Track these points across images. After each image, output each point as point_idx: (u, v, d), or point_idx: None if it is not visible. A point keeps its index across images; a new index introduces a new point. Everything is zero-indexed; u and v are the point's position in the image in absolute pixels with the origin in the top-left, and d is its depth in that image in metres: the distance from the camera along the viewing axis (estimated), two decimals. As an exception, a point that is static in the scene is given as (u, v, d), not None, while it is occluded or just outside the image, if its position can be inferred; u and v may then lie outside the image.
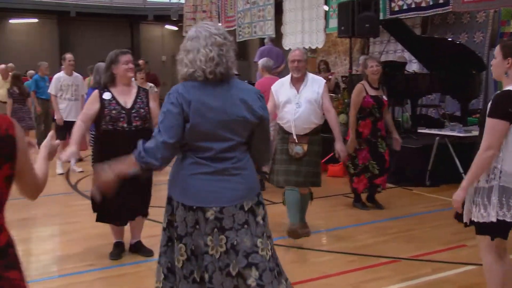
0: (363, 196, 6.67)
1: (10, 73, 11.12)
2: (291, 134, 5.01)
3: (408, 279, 4.30)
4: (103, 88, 4.57)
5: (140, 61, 11.74)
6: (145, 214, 4.85)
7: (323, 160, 8.88)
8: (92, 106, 4.53)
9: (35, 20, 19.97)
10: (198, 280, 2.69)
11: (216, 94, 2.66)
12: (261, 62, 8.09)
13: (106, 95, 4.51)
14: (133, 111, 4.53)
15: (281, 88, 5.13)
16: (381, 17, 10.46)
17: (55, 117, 8.52)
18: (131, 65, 4.58)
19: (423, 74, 9.48)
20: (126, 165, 2.70)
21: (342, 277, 4.38)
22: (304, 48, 12.75)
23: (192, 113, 2.61)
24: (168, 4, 20.89)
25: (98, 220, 4.76)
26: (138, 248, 4.89)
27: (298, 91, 5.00)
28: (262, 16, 14.41)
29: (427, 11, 10.11)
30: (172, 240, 2.74)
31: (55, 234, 5.91)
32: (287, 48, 13.33)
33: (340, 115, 9.13)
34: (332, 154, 8.87)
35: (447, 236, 5.31)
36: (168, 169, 2.84)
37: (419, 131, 8.30)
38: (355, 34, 8.42)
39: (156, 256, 4.62)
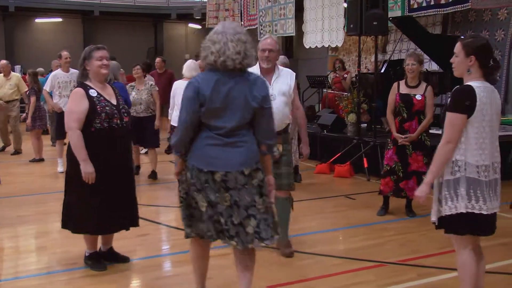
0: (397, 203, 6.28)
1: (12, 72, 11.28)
2: None
3: (390, 284, 4.15)
4: (82, 85, 4.36)
5: (157, 59, 11.76)
6: (137, 224, 4.67)
7: (330, 161, 8.78)
8: (80, 106, 4.21)
9: (60, 20, 20.23)
10: (218, 220, 3.32)
11: (235, 82, 3.25)
12: (279, 60, 7.95)
13: (92, 92, 4.31)
14: (120, 107, 4.42)
15: None
16: (399, 15, 10.31)
17: (48, 109, 8.90)
18: (105, 62, 4.36)
19: (437, 73, 9.21)
20: None
21: (321, 281, 4.25)
22: (323, 46, 12.79)
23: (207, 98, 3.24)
24: (191, 2, 20.91)
25: (91, 232, 4.48)
26: (114, 256, 4.70)
27: (270, 83, 4.54)
28: (283, 14, 14.33)
29: (446, 8, 9.89)
30: (188, 194, 3.39)
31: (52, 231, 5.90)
32: (307, 47, 13.24)
33: (350, 114, 8.96)
34: (339, 154, 8.81)
35: (442, 240, 5.06)
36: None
37: (430, 131, 8.04)
38: (363, 32, 8.20)
39: (132, 259, 4.68)
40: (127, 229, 4.61)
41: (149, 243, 5.27)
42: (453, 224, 3.26)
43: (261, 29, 15.11)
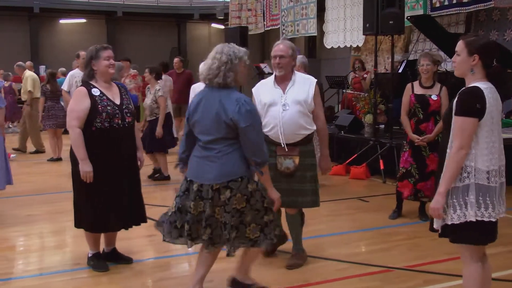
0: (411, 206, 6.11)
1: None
2: (279, 144, 4.29)
3: (393, 290, 4.01)
4: (86, 84, 4.35)
5: (176, 59, 11.76)
6: (145, 220, 4.63)
7: (346, 162, 8.64)
8: (81, 105, 4.20)
9: (84, 20, 20.45)
10: (178, 227, 3.65)
11: (209, 98, 3.55)
12: (298, 59, 7.81)
13: (95, 91, 4.29)
14: (123, 107, 4.39)
15: (263, 89, 4.44)
16: (421, 13, 10.10)
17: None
18: (112, 61, 4.37)
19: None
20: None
21: (324, 286, 4.15)
22: (345, 46, 12.64)
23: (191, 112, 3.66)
24: (214, 2, 20.92)
25: (93, 230, 4.46)
26: (117, 256, 4.68)
27: (284, 92, 4.29)
28: (305, 14, 14.23)
29: (469, 7, 9.67)
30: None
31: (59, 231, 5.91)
32: (329, 47, 13.12)
33: (367, 115, 8.80)
34: (355, 155, 8.66)
35: (452, 246, 4.87)
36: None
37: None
38: (379, 31, 8.04)
39: (136, 260, 4.64)
40: (129, 227, 4.57)
41: (155, 244, 5.22)
42: (462, 234, 3.11)
43: (283, 29, 15.02)
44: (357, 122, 9.39)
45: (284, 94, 4.29)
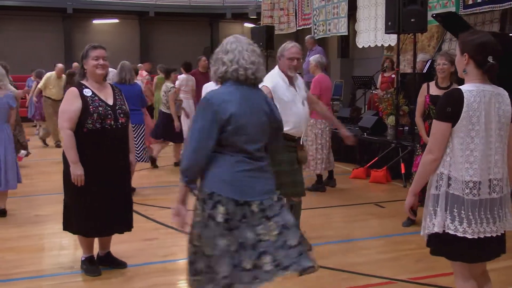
0: None
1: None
2: (298, 140, 4.61)
3: (393, 305, 3.76)
4: (78, 85, 4.25)
5: (202, 58, 11.65)
6: (130, 228, 4.52)
7: (366, 165, 8.34)
8: (73, 105, 4.10)
9: (117, 21, 20.56)
10: (248, 268, 2.81)
11: (251, 98, 2.93)
12: (314, 58, 7.65)
13: (87, 92, 4.18)
14: (116, 107, 4.27)
15: (279, 86, 4.50)
16: (453, 11, 9.71)
17: None
18: (101, 61, 4.20)
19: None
20: None
21: (318, 298, 3.91)
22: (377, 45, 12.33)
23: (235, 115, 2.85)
24: (246, 2, 20.75)
25: (84, 234, 4.36)
26: (111, 261, 4.57)
27: (295, 90, 4.57)
28: (336, 13, 13.98)
29: (503, 4, 9.23)
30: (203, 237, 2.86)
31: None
32: (360, 46, 12.82)
33: (389, 117, 8.48)
34: (376, 158, 8.35)
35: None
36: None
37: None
38: (400, 29, 7.71)
39: (131, 264, 4.51)
40: (121, 233, 4.47)
41: (154, 248, 5.10)
42: (439, 246, 2.92)
43: (315, 28, 14.79)
44: (380, 124, 9.08)
45: (297, 92, 4.56)
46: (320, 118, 7.37)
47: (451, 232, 2.79)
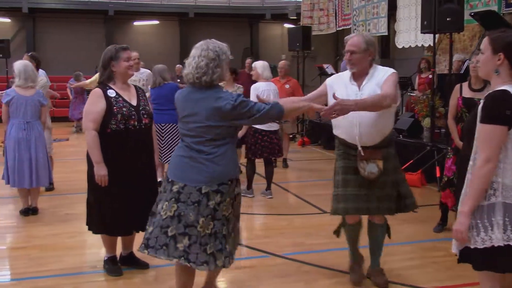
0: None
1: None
2: (357, 147, 3.86)
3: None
4: (102, 86, 4.25)
5: (248, 60, 11.65)
6: None
7: (402, 168, 8.09)
8: (97, 106, 4.12)
9: (157, 22, 20.81)
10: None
11: (194, 98, 3.38)
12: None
13: (111, 92, 4.20)
14: (140, 108, 4.28)
15: (338, 82, 3.99)
16: (495, 9, 9.40)
17: None
18: (131, 62, 4.29)
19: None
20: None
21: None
22: (416, 45, 12.06)
23: (177, 109, 3.50)
24: (286, 2, 20.69)
25: (107, 233, 4.37)
26: (133, 261, 4.57)
27: (359, 88, 3.86)
28: (376, 13, 13.78)
29: (548, 3, 8.89)
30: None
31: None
32: (400, 47, 12.58)
33: (425, 119, 8.26)
34: (411, 161, 8.13)
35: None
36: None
37: None
38: (436, 29, 7.49)
39: (153, 265, 4.51)
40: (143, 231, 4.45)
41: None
42: (487, 260, 2.72)
43: (355, 29, 14.59)
44: (417, 126, 8.85)
45: (359, 90, 3.84)
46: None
47: None
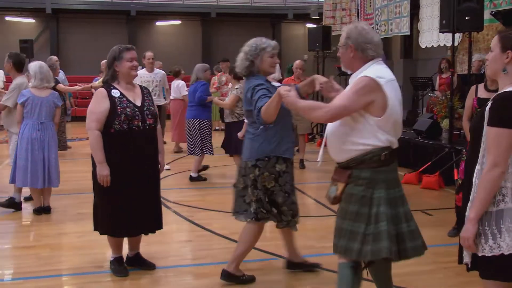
0: None
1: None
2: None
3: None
4: (106, 85, 4.25)
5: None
6: (160, 227, 4.50)
7: (418, 170, 7.98)
8: (101, 106, 4.12)
9: (179, 22, 20.88)
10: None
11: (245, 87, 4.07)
12: None
13: (115, 92, 4.19)
14: (144, 108, 4.26)
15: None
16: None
17: None
18: (135, 63, 4.24)
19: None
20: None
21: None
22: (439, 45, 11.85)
23: None
24: (308, 2, 20.57)
25: (111, 234, 4.37)
26: (140, 262, 4.55)
27: None
28: (398, 12, 13.59)
29: None
30: None
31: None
32: (423, 46, 12.39)
33: (444, 120, 8.10)
34: (429, 163, 7.97)
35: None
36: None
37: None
38: (455, 28, 7.33)
39: (160, 266, 4.48)
40: (147, 233, 4.47)
41: (185, 251, 5.08)
42: (495, 268, 2.62)
43: (377, 28, 14.41)
44: (436, 127, 8.67)
45: None
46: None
47: None
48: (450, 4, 7.28)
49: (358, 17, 15.73)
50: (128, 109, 4.14)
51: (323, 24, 16.68)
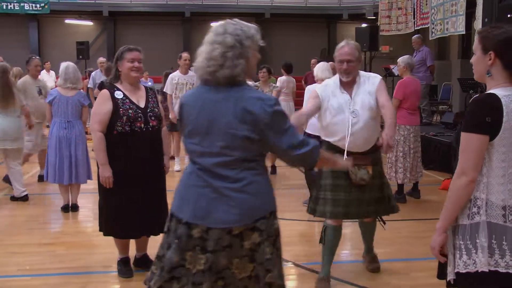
0: None
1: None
2: (350, 154, 3.86)
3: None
4: (110, 87, 4.26)
5: (313, 60, 11.48)
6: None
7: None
8: (103, 107, 4.10)
9: (234, 23, 20.98)
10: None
11: (211, 100, 2.50)
12: (403, 60, 7.18)
13: (118, 94, 4.18)
14: (148, 110, 4.25)
15: (328, 91, 4.02)
16: None
17: (170, 116, 8.35)
18: (136, 64, 4.19)
19: None
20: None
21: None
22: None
23: (183, 118, 2.59)
24: (363, 2, 20.17)
25: (114, 235, 4.39)
26: (147, 263, 4.47)
27: (351, 97, 3.95)
28: (454, 11, 13.08)
29: None
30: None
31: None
32: (478, 46, 11.85)
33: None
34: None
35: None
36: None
37: None
38: (496, 26, 6.95)
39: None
40: (154, 235, 4.41)
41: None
42: (472, 286, 2.40)
43: (433, 28, 13.95)
44: (480, 131, 8.24)
45: (351, 99, 3.96)
46: (404, 123, 6.89)
47: (501, 269, 2.30)
48: (492, 2, 6.93)
49: (413, 17, 15.29)
50: (130, 111, 4.14)
51: (379, 24, 16.35)
